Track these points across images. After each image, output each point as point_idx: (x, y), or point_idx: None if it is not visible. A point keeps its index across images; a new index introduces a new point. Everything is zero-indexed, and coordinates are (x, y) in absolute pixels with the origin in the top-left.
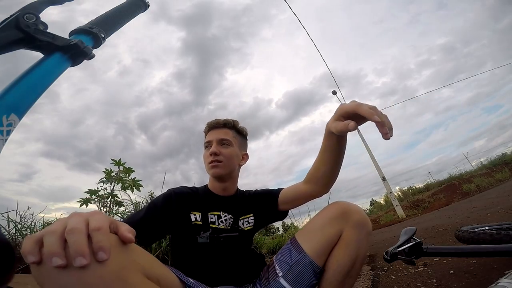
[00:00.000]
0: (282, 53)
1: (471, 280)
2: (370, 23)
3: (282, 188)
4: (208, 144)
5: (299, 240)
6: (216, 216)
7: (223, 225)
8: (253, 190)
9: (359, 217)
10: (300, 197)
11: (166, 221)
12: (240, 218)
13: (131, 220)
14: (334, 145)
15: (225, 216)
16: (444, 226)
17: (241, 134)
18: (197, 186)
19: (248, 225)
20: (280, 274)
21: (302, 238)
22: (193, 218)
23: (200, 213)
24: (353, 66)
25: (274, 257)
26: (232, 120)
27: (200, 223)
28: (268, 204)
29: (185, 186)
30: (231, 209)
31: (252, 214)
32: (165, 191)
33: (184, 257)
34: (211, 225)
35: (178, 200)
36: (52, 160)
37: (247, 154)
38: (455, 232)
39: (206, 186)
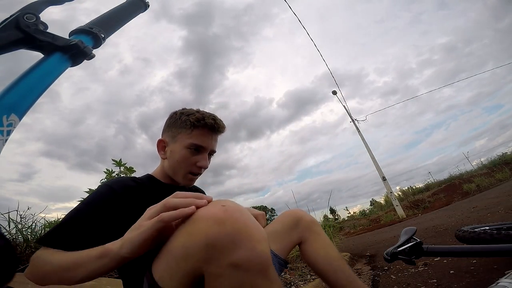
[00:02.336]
0: (284, 52)
1: (471, 280)
2: (372, 23)
3: None
4: (197, 149)
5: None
6: None
7: None
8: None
9: (309, 220)
10: None
11: (109, 227)
12: None
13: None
14: None
15: None
16: (444, 226)
17: None
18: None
19: None
20: None
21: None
22: None
23: None
24: (354, 65)
25: None
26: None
27: None
28: None
29: (125, 177)
30: None
31: None
32: (101, 186)
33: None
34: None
35: (127, 197)
36: (53, 159)
37: None
38: (455, 232)
39: (150, 176)
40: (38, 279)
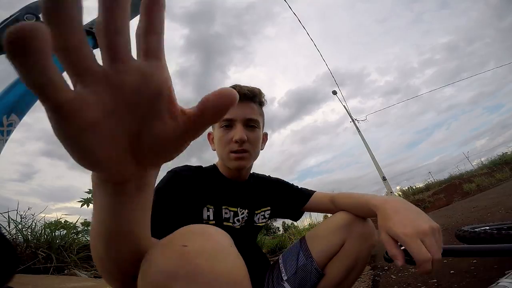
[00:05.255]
0: (285, 51)
1: (472, 280)
2: (374, 22)
3: (315, 191)
4: (228, 124)
5: (308, 243)
6: (232, 212)
7: (238, 225)
8: (267, 175)
9: (362, 229)
10: (324, 212)
11: (176, 216)
12: (256, 212)
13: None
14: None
15: (242, 213)
16: (444, 226)
17: (262, 108)
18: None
19: (264, 220)
20: (285, 278)
21: (311, 242)
22: (205, 215)
23: (213, 207)
24: (356, 65)
25: (281, 257)
26: (258, 89)
27: (214, 222)
28: (294, 202)
29: (189, 166)
30: (247, 202)
31: (269, 207)
32: (167, 172)
33: None
34: (224, 223)
35: (188, 187)
36: (53, 159)
37: (266, 134)
38: (456, 232)
39: (215, 167)
40: None
